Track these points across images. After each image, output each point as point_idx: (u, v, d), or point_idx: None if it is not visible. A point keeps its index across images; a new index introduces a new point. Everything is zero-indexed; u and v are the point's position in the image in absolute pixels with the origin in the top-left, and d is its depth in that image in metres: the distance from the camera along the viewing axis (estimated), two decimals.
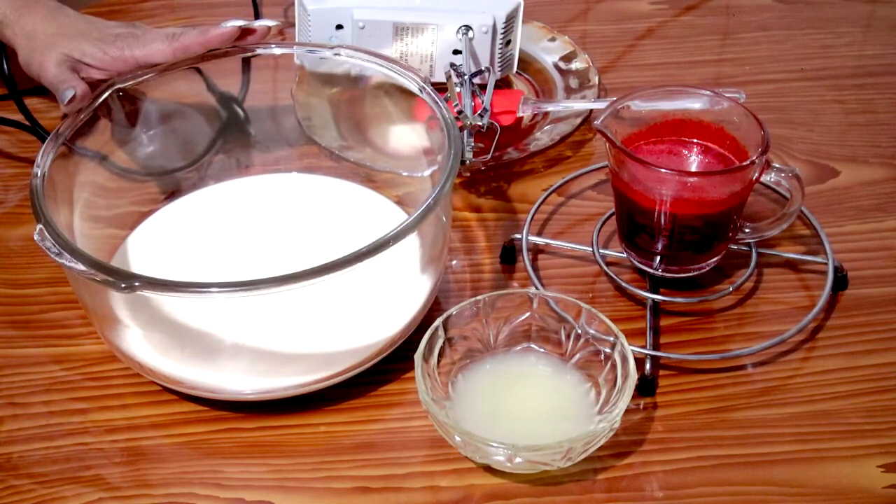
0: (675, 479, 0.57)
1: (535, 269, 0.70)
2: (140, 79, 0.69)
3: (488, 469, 0.57)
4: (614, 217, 0.69)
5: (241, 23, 0.68)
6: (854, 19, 0.97)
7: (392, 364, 0.62)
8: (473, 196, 0.77)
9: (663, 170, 0.62)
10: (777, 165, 0.62)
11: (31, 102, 0.79)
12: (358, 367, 0.61)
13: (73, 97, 0.65)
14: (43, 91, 0.85)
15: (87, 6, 1.01)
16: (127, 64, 0.68)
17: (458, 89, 0.74)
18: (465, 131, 0.70)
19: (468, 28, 0.79)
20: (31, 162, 0.65)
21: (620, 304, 0.68)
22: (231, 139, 0.77)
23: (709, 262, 0.67)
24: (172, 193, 0.74)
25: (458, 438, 0.55)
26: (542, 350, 0.62)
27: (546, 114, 0.83)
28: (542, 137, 0.81)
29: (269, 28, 0.70)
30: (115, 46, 0.68)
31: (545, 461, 0.55)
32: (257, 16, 0.92)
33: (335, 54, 0.71)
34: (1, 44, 0.75)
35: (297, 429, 0.60)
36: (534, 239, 0.71)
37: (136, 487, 0.57)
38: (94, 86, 0.68)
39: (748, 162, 0.61)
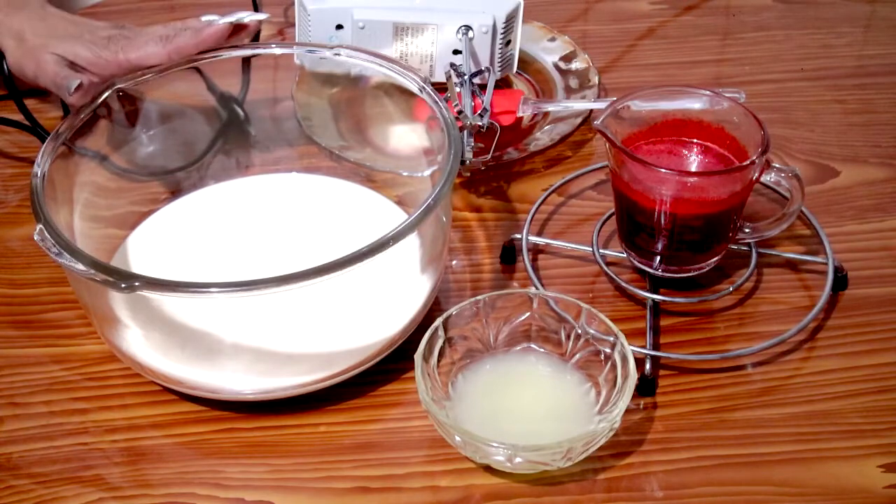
0: (675, 479, 0.57)
1: (535, 269, 0.70)
2: (140, 79, 0.69)
3: (488, 469, 0.57)
4: (614, 217, 0.69)
5: (231, 18, 0.68)
6: (854, 19, 0.97)
7: (392, 364, 0.62)
8: (473, 196, 0.77)
9: (663, 170, 0.62)
10: (777, 165, 0.62)
11: (31, 102, 0.79)
12: (358, 367, 0.61)
13: (80, 85, 0.65)
14: (43, 91, 0.86)
15: (87, 6, 1.01)
16: (121, 67, 0.68)
17: (458, 89, 0.74)
18: (465, 131, 0.70)
19: (468, 28, 0.79)
20: (31, 162, 0.65)
21: (620, 304, 0.68)
22: (231, 139, 0.77)
23: (709, 262, 0.67)
24: (172, 193, 0.74)
25: (458, 438, 0.55)
26: (542, 350, 0.62)
27: (546, 114, 0.83)
28: (542, 137, 0.81)
29: (261, 22, 0.70)
30: (108, 50, 0.67)
31: (545, 461, 0.55)
32: None
33: (335, 54, 0.71)
34: None
35: (297, 429, 0.60)
36: (534, 239, 0.71)
37: (136, 487, 0.57)
38: (94, 87, 0.68)
39: (748, 162, 0.61)
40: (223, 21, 0.67)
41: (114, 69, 0.68)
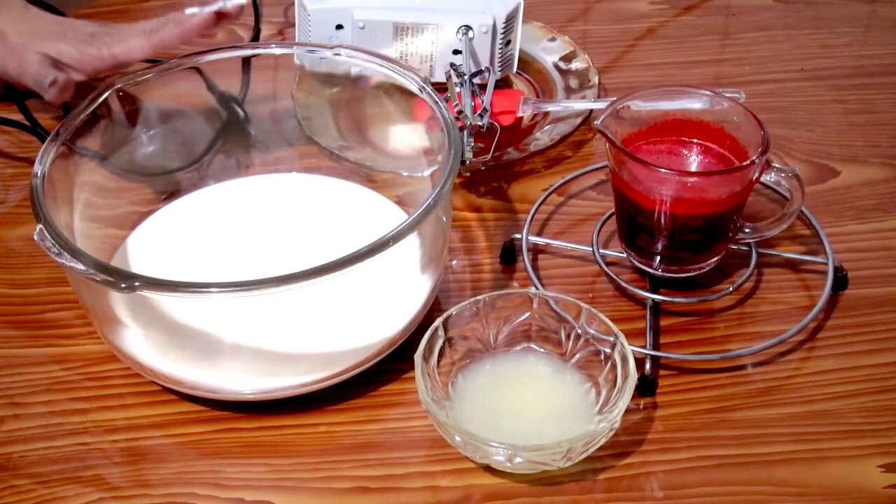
0: (675, 479, 0.57)
1: (535, 269, 0.70)
2: (140, 78, 0.69)
3: (488, 469, 0.57)
4: (614, 217, 0.69)
5: (213, 7, 0.68)
6: (854, 19, 0.97)
7: (392, 364, 0.62)
8: (473, 196, 0.77)
9: (663, 170, 0.62)
10: (777, 165, 0.62)
11: (31, 102, 0.79)
12: (358, 367, 0.61)
13: (55, 81, 0.64)
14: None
15: (87, 6, 1.01)
16: (105, 62, 0.67)
17: (458, 89, 0.74)
18: (465, 131, 0.70)
19: (468, 28, 0.79)
20: (31, 162, 0.65)
21: (620, 304, 0.68)
22: (231, 139, 0.77)
23: (709, 262, 0.67)
24: (172, 193, 0.74)
25: (458, 438, 0.55)
26: (542, 350, 0.62)
27: (546, 114, 0.83)
28: (542, 137, 0.81)
29: (242, 6, 0.70)
30: (92, 46, 0.67)
31: (545, 461, 0.55)
32: (257, 16, 0.92)
33: (335, 54, 0.71)
34: None
35: (297, 429, 0.60)
36: (534, 239, 0.71)
37: (136, 487, 0.57)
38: (74, 85, 0.67)
39: (748, 162, 0.61)
40: (205, 11, 0.67)
41: (98, 64, 0.68)
